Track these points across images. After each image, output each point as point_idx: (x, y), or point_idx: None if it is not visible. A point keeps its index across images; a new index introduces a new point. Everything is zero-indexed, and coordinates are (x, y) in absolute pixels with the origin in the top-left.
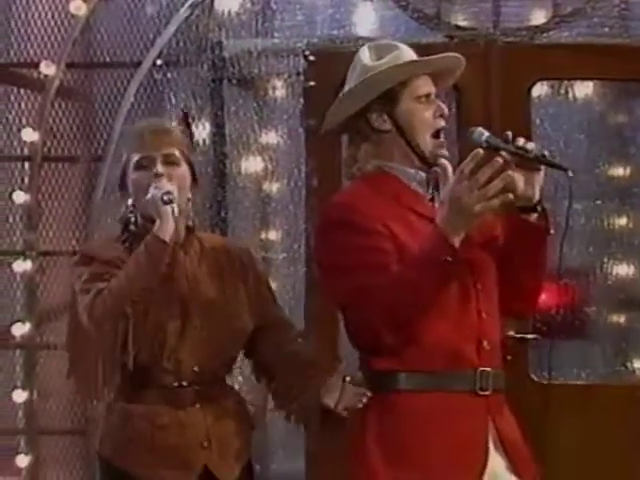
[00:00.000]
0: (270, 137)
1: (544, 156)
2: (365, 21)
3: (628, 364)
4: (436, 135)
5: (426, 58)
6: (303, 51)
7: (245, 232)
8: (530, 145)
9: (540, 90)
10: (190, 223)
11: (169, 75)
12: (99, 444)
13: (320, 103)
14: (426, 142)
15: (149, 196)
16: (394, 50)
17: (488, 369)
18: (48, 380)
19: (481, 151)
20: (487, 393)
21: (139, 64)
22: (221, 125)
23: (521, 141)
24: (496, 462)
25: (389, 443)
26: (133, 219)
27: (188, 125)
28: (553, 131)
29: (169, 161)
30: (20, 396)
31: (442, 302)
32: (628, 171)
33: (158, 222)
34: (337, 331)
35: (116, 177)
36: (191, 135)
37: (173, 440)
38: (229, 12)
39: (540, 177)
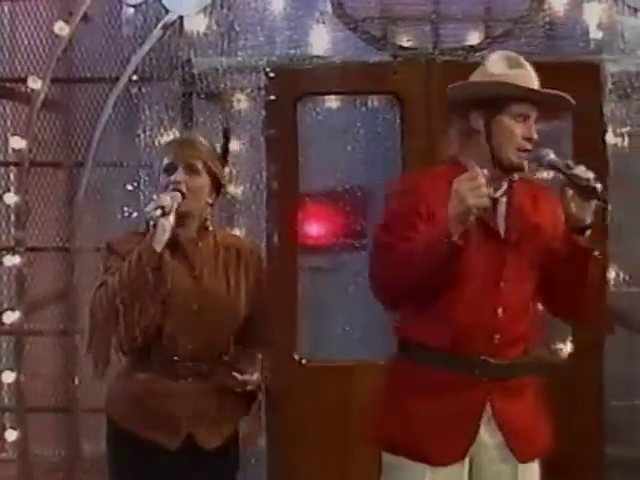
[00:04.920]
0: (234, 145)
1: (594, 188)
2: (319, 42)
3: None
4: (523, 151)
5: (543, 91)
6: (264, 68)
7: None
8: (584, 174)
9: None
10: (208, 223)
11: (144, 89)
12: (107, 406)
13: (279, 115)
14: (508, 152)
15: (147, 209)
16: (521, 67)
17: (491, 360)
18: (35, 363)
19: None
20: (484, 378)
21: (116, 79)
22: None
23: (577, 169)
24: (487, 437)
25: (395, 403)
26: None
27: (227, 140)
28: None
29: (190, 170)
30: (9, 377)
31: (460, 290)
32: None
33: (151, 232)
34: (295, 316)
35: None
36: (226, 149)
37: (162, 407)
38: (197, 33)
39: (593, 203)
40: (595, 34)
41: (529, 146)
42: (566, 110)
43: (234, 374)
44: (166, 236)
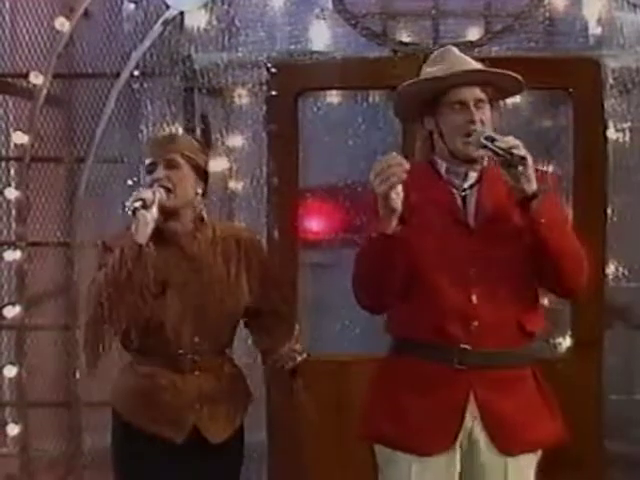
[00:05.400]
0: (235, 140)
1: (511, 155)
2: (319, 37)
3: None
4: (468, 136)
5: (442, 75)
6: (265, 63)
7: None
8: (505, 144)
9: None
10: (202, 214)
11: (145, 85)
12: (112, 400)
13: (280, 110)
14: (455, 143)
15: (127, 202)
16: (443, 61)
17: (469, 348)
18: (36, 357)
19: (394, 154)
20: (464, 368)
21: (118, 75)
22: (192, 130)
23: (498, 141)
24: (473, 428)
25: (384, 398)
26: None
27: (206, 127)
28: None
29: (170, 165)
30: (10, 371)
31: (434, 281)
32: (551, 169)
33: (133, 227)
34: (295, 311)
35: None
36: (207, 135)
37: (168, 400)
38: (198, 28)
39: (526, 171)
40: (594, 30)
41: (474, 127)
42: (514, 86)
43: (279, 352)
44: (149, 228)
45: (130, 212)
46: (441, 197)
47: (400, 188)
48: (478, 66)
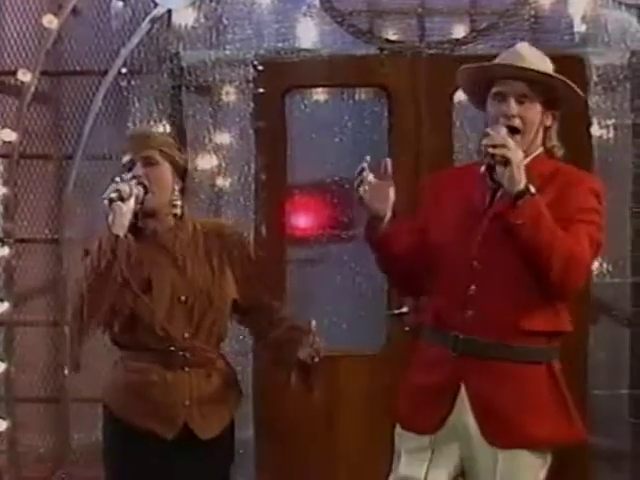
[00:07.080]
0: (223, 137)
1: (486, 153)
2: (307, 35)
3: None
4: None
5: (475, 65)
6: (252, 61)
7: None
8: (488, 141)
9: (460, 96)
10: (178, 211)
11: (133, 82)
12: (104, 395)
13: (268, 107)
14: None
15: (104, 195)
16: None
17: (461, 335)
18: (24, 353)
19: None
20: (455, 355)
21: (106, 72)
22: (180, 127)
23: (486, 138)
24: (465, 416)
25: (403, 380)
26: None
27: (181, 126)
28: (471, 132)
29: (148, 162)
30: None
31: (441, 269)
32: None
33: (110, 218)
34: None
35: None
36: (182, 135)
37: (158, 396)
38: (186, 26)
39: (509, 171)
40: (579, 27)
41: (507, 121)
42: (570, 93)
43: (306, 349)
44: (125, 219)
45: (106, 202)
46: (472, 192)
47: (387, 193)
48: (526, 62)
